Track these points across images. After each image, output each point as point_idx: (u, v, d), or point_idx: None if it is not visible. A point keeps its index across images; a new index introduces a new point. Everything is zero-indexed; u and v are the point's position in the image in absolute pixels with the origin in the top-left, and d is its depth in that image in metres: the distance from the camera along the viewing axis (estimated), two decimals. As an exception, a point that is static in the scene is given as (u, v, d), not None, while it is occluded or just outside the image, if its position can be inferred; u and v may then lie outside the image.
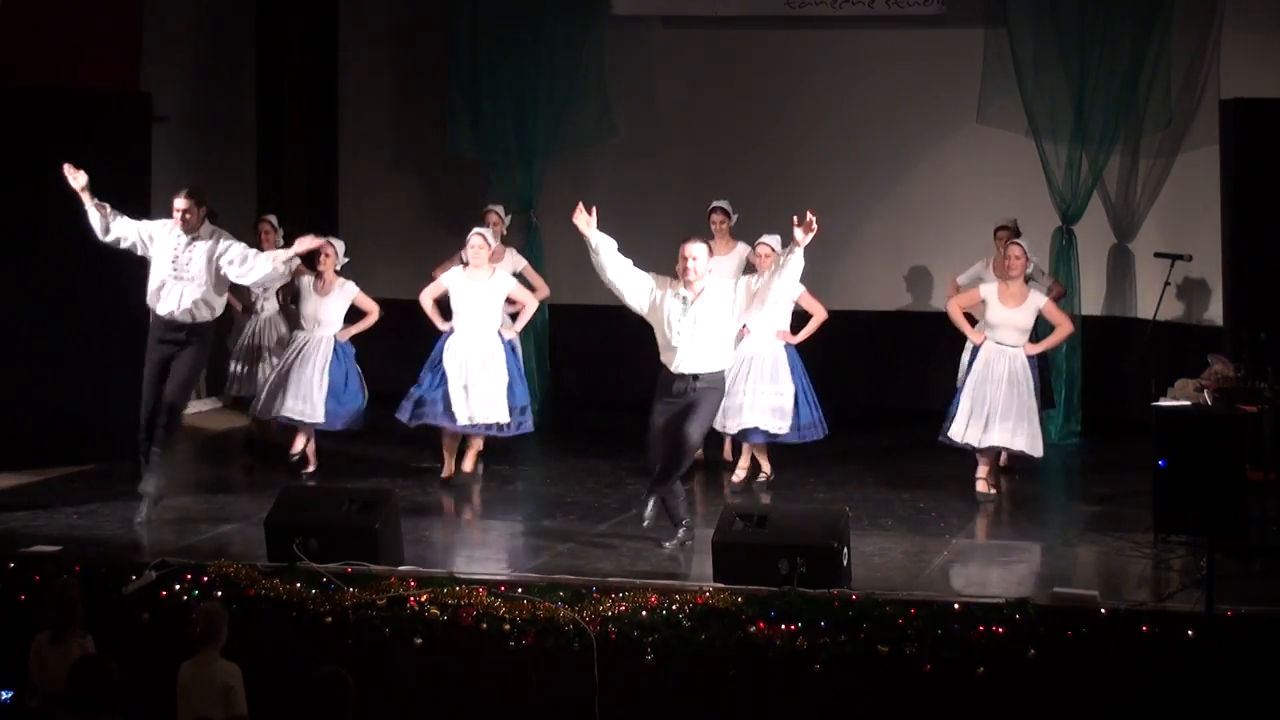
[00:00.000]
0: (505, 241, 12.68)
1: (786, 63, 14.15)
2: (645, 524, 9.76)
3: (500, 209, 12.81)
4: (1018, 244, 11.18)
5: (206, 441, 13.35)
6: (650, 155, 14.22)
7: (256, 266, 10.43)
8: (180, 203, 10.44)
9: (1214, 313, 12.73)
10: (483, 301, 11.46)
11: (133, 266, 12.14)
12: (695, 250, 9.63)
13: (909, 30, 13.85)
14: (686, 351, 9.61)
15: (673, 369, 9.67)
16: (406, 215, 14.79)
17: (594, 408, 14.03)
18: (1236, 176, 11.82)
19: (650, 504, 9.77)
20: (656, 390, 9.80)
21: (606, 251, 9.69)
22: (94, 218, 10.43)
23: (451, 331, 11.47)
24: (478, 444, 11.80)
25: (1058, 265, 12.99)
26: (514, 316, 11.93)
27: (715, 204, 12.42)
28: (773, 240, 11.18)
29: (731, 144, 14.20)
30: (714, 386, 9.72)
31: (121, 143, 11.99)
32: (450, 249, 12.99)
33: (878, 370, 13.99)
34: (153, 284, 10.49)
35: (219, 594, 8.86)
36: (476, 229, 11.81)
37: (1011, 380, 10.96)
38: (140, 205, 12.05)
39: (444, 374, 11.36)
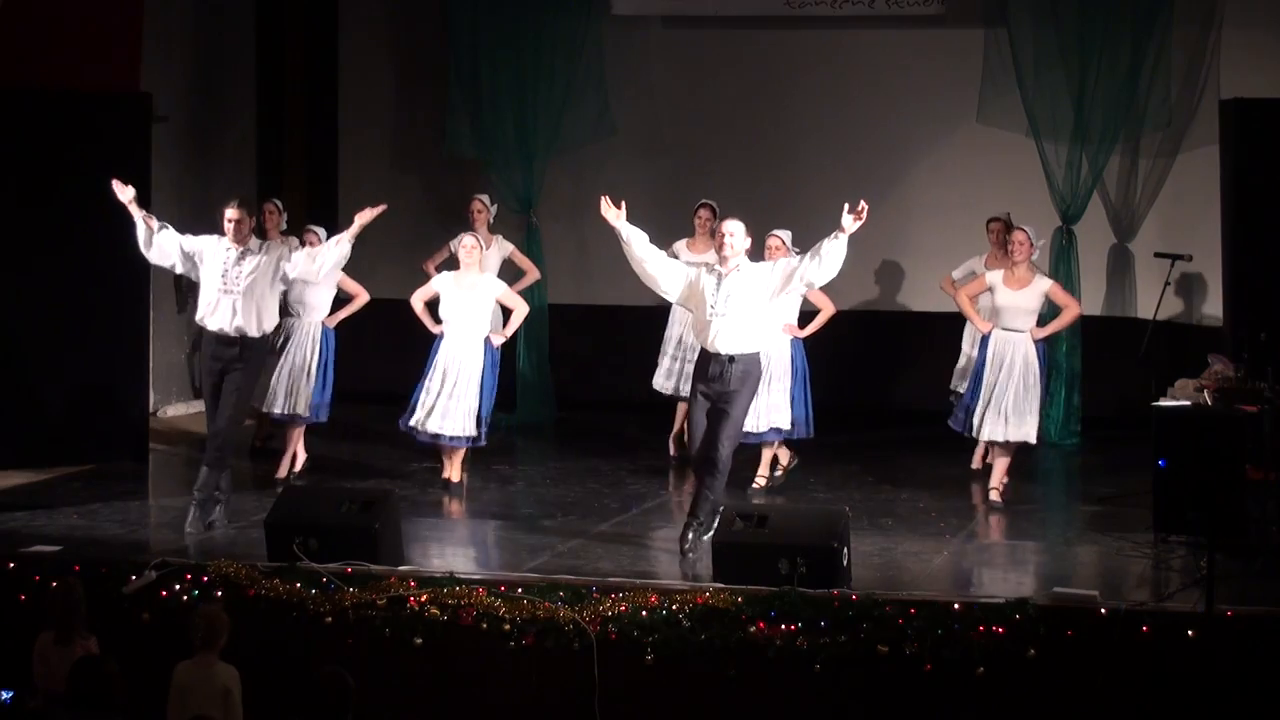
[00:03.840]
0: (493, 230, 12.73)
1: (786, 63, 14.15)
2: (689, 554, 9.58)
3: (485, 198, 12.81)
4: (1023, 230, 11.22)
5: (205, 442, 13.33)
6: (650, 155, 14.21)
7: (325, 256, 10.44)
8: (232, 213, 10.35)
9: (1214, 313, 12.73)
10: (472, 306, 11.39)
11: (133, 267, 12.17)
12: (733, 227, 9.69)
13: (909, 30, 13.85)
14: (721, 327, 9.57)
15: (708, 347, 9.63)
16: (406, 215, 14.74)
17: (594, 408, 14.03)
18: (1236, 176, 11.81)
19: (690, 536, 9.60)
20: (694, 373, 9.81)
21: (638, 243, 9.69)
22: (140, 231, 10.34)
23: (442, 336, 11.43)
24: (459, 454, 11.58)
25: (1057, 265, 12.99)
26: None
27: (704, 201, 12.45)
28: (784, 234, 11.17)
29: (731, 144, 14.19)
30: (750, 373, 9.64)
31: (121, 143, 11.98)
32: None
33: (877, 370, 13.98)
34: (203, 301, 10.42)
35: (219, 594, 8.86)
36: (469, 232, 11.81)
37: (1020, 370, 10.98)
38: (140, 205, 12.05)
39: (427, 385, 11.29)
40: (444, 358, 11.30)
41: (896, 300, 14.08)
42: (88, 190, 11.72)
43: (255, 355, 10.43)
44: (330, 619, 8.80)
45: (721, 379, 9.59)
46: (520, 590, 8.78)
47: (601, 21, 14.09)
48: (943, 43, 13.78)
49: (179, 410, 14.02)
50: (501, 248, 12.66)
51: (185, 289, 14.04)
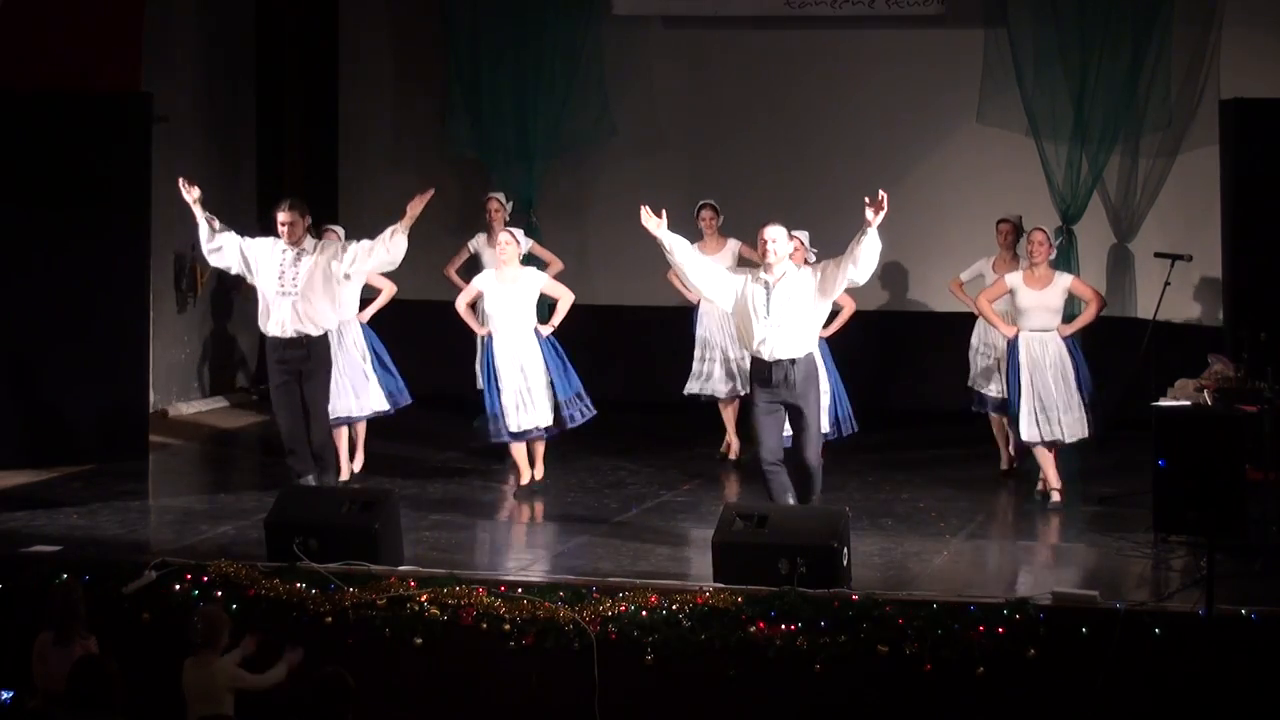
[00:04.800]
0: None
1: (786, 63, 14.15)
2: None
3: (501, 196, 12.84)
4: (1041, 229, 11.22)
5: (208, 440, 13.35)
6: (650, 155, 14.21)
7: (390, 249, 10.51)
8: (284, 215, 10.45)
9: (1214, 313, 12.73)
10: (516, 302, 11.37)
11: (133, 267, 12.20)
12: (774, 233, 9.63)
13: (909, 30, 13.85)
14: (776, 336, 9.53)
15: (765, 357, 9.59)
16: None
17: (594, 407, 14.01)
18: (1236, 176, 11.82)
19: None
20: (751, 381, 9.78)
21: (681, 250, 9.67)
22: (202, 232, 10.46)
23: (490, 336, 11.40)
24: (540, 448, 11.57)
25: (1057, 266, 12.97)
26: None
27: (704, 201, 12.43)
28: (801, 235, 11.12)
29: (731, 144, 14.20)
30: (811, 374, 9.65)
31: (121, 143, 11.99)
32: (451, 249, 13.00)
33: (878, 370, 13.97)
34: (261, 304, 10.52)
35: (219, 594, 8.86)
36: (506, 229, 11.80)
37: (1056, 369, 10.99)
38: (140, 205, 12.08)
39: (499, 387, 11.28)
40: (501, 360, 11.24)
41: (895, 301, 14.07)
42: (88, 190, 11.77)
43: (322, 356, 10.56)
44: (330, 619, 8.80)
45: (787, 383, 9.56)
46: (520, 590, 8.78)
47: (601, 22, 14.10)
48: (943, 43, 13.78)
49: (180, 410, 14.03)
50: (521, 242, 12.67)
51: (185, 289, 14.05)
